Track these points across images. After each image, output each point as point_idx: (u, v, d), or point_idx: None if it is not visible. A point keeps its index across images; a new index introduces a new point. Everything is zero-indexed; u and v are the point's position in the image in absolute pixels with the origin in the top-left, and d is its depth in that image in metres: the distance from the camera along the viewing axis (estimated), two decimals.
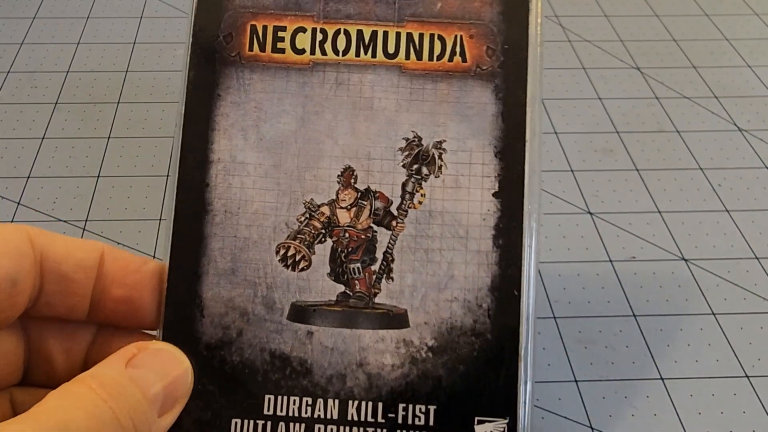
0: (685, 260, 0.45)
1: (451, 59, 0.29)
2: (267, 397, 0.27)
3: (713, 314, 0.42)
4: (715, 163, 0.51)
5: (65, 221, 0.45)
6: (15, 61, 0.57)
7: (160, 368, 0.24)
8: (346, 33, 0.29)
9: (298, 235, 0.28)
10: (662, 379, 0.39)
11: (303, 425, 0.27)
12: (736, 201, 0.48)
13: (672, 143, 0.52)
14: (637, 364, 0.39)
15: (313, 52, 0.29)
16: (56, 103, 0.54)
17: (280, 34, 0.29)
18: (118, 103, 0.54)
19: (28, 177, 0.48)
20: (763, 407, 0.38)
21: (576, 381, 0.38)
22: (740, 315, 0.42)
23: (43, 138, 0.51)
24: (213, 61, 0.29)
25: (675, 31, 0.63)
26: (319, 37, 0.29)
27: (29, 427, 0.20)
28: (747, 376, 0.39)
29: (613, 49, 0.61)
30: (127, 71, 0.57)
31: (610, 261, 0.44)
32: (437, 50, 0.29)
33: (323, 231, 0.28)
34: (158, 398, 0.23)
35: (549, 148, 0.52)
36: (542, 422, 0.37)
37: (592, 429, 0.37)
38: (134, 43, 0.59)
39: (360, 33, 0.29)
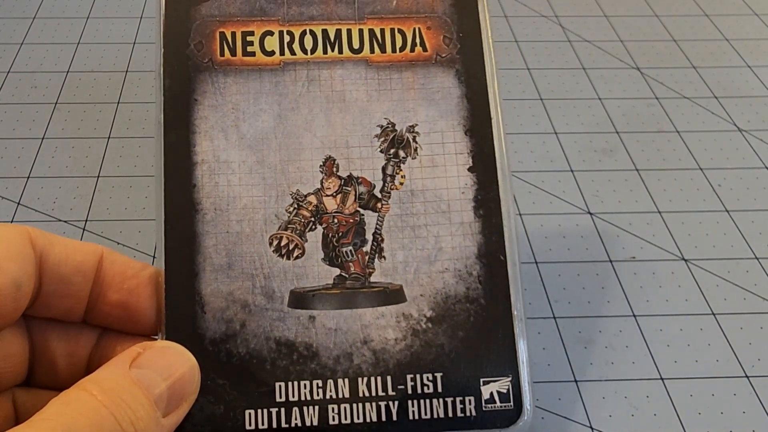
0: (685, 260, 0.45)
1: (412, 50, 0.31)
2: (278, 384, 0.28)
3: (713, 314, 0.42)
4: (715, 163, 0.51)
5: (65, 221, 0.45)
6: (15, 61, 0.57)
7: (165, 367, 0.24)
8: (312, 33, 0.31)
9: (289, 225, 0.29)
10: (662, 379, 0.39)
11: (316, 407, 0.28)
12: (736, 201, 0.48)
13: (672, 143, 0.52)
14: (637, 364, 0.39)
15: (282, 53, 0.31)
16: (56, 103, 0.54)
17: (249, 38, 0.31)
18: (118, 103, 0.54)
19: (28, 177, 0.48)
20: (763, 407, 0.38)
21: (576, 381, 0.38)
22: (740, 315, 0.42)
23: (43, 138, 0.51)
24: (186, 69, 0.30)
25: (675, 31, 0.63)
26: (287, 38, 0.31)
27: None
28: (747, 376, 0.39)
29: (613, 49, 0.61)
30: (127, 71, 0.57)
31: (610, 261, 0.44)
32: (399, 42, 0.31)
33: (312, 219, 0.30)
34: (162, 398, 0.23)
35: (549, 148, 0.52)
36: (542, 422, 0.37)
37: (592, 429, 0.37)
38: (134, 43, 0.59)
39: (325, 32, 0.31)
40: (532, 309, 0.42)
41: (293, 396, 0.28)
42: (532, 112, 0.54)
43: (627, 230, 0.46)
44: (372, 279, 0.29)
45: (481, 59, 0.31)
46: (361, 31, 0.31)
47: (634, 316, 0.42)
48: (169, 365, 0.24)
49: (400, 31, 0.31)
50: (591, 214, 0.47)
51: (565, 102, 0.55)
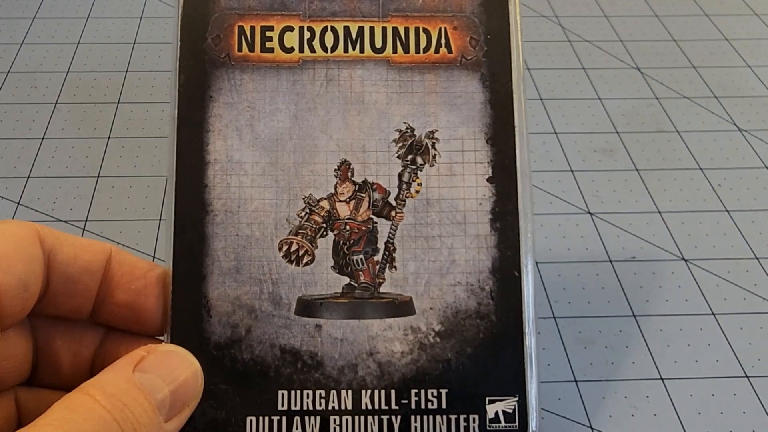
0: (685, 260, 0.45)
1: (437, 51, 0.30)
2: (280, 392, 0.27)
3: (713, 314, 0.42)
4: (715, 163, 0.51)
5: (65, 221, 0.45)
6: (15, 61, 0.57)
7: (169, 372, 0.24)
8: (333, 30, 0.30)
9: (300, 231, 0.29)
10: (662, 379, 0.39)
11: (318, 418, 0.27)
12: (736, 201, 0.48)
13: (672, 143, 0.52)
14: (637, 364, 0.39)
15: (302, 50, 0.30)
16: (56, 103, 0.54)
17: (268, 33, 0.30)
18: (118, 103, 0.54)
19: (28, 177, 0.48)
20: (763, 407, 0.38)
21: (576, 381, 0.38)
22: (740, 315, 0.42)
23: (43, 138, 0.51)
24: (203, 64, 0.29)
25: (675, 31, 0.63)
26: (307, 35, 0.30)
27: None
28: (747, 376, 0.39)
29: (613, 49, 0.61)
30: (127, 71, 0.57)
31: (610, 261, 0.44)
32: (423, 43, 0.30)
33: (324, 225, 0.29)
34: (165, 403, 0.23)
35: (549, 148, 0.52)
36: (542, 422, 0.37)
37: (592, 429, 0.37)
38: (134, 43, 0.59)
39: (347, 29, 0.30)
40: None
41: (295, 405, 0.27)
42: (532, 112, 0.54)
43: (627, 230, 0.46)
44: (381, 289, 0.28)
45: (509, 63, 0.30)
46: (384, 29, 0.30)
47: (634, 316, 0.42)
48: (172, 370, 0.24)
49: (425, 31, 0.30)
50: (591, 214, 0.47)
51: (565, 102, 0.55)
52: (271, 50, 0.29)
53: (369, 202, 0.29)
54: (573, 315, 0.41)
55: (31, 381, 0.26)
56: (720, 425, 0.37)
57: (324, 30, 0.30)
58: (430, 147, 0.29)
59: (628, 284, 0.43)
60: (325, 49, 0.30)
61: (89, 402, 0.21)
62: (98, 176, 0.48)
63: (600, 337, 0.40)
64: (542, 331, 0.41)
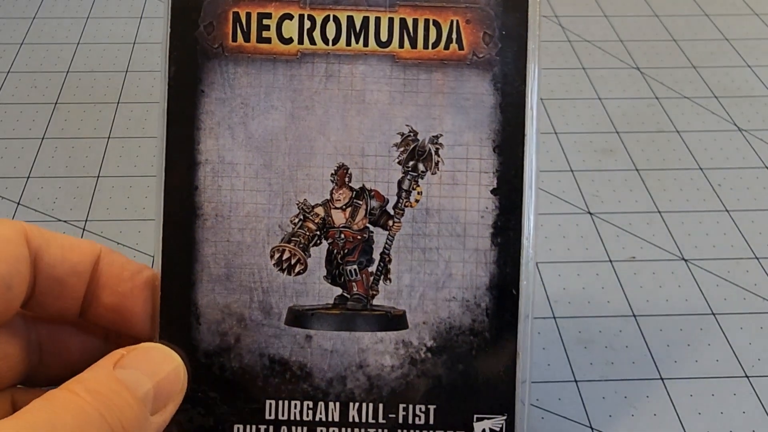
0: (685, 260, 0.45)
1: (447, 47, 0.28)
2: (268, 402, 0.27)
3: (713, 314, 0.42)
4: (715, 163, 0.51)
5: (65, 221, 0.45)
6: (15, 61, 0.57)
7: (150, 367, 0.24)
8: (336, 20, 0.27)
9: (293, 238, 0.28)
10: (662, 379, 0.39)
11: (305, 428, 0.27)
12: (736, 201, 0.48)
13: (672, 143, 0.52)
14: (637, 364, 0.39)
15: (301, 42, 0.27)
16: (56, 103, 0.54)
17: (265, 21, 0.27)
18: (118, 103, 0.54)
19: (28, 177, 0.48)
20: (763, 407, 0.38)
21: (576, 381, 0.38)
22: (740, 315, 0.42)
23: (43, 138, 0.51)
24: (194, 55, 0.27)
25: (675, 31, 0.63)
26: (307, 24, 0.27)
27: (12, 427, 0.20)
28: (747, 376, 0.39)
29: (613, 49, 0.61)
30: (127, 71, 0.57)
31: (610, 261, 0.44)
32: (432, 37, 0.28)
33: (318, 233, 0.28)
34: (149, 397, 0.23)
35: (549, 148, 0.52)
36: (542, 422, 0.37)
37: (592, 429, 0.37)
38: (134, 43, 0.59)
39: (350, 20, 0.28)
40: (532, 309, 0.42)
41: (283, 415, 0.27)
42: None
43: (627, 230, 0.46)
44: (374, 302, 0.28)
45: (523, 64, 0.27)
46: (391, 20, 0.27)
47: (634, 316, 0.42)
48: (154, 364, 0.24)
49: (435, 24, 0.27)
50: (591, 214, 0.47)
51: (565, 102, 0.55)
52: (268, 40, 0.27)
53: (366, 210, 0.28)
54: (573, 315, 0.41)
55: (30, 382, 0.26)
56: (720, 425, 0.37)
57: (326, 19, 0.27)
58: (433, 153, 0.28)
59: (628, 284, 0.43)
60: (326, 41, 0.27)
61: (70, 396, 0.21)
62: (98, 176, 0.48)
63: (600, 337, 0.40)
64: (542, 331, 0.41)
